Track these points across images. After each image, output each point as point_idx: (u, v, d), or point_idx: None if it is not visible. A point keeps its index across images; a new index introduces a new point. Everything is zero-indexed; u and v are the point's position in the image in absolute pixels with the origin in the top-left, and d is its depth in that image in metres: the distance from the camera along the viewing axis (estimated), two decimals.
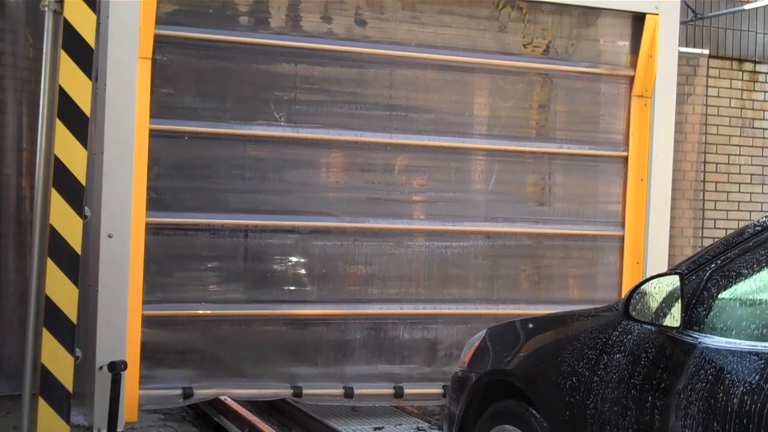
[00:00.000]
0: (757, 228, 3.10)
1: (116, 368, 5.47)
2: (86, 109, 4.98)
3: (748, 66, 9.71)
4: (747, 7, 9.32)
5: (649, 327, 3.13)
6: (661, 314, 3.08)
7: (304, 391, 6.27)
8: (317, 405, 6.36)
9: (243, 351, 6.31)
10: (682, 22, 7.86)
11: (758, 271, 3.00)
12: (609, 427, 3.16)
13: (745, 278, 3.02)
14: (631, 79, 7.06)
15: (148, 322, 5.98)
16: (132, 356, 5.73)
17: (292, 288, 6.39)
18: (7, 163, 6.49)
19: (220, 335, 6.26)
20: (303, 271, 6.42)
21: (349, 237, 6.50)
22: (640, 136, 7.04)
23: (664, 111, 7.04)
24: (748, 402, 2.75)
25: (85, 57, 4.98)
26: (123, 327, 5.70)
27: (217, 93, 6.23)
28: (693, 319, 3.04)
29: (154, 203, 6.00)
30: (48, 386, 4.89)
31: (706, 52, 8.91)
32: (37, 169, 4.92)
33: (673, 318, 3.04)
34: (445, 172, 6.73)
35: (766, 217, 3.16)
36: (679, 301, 3.03)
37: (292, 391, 6.26)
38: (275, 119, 6.31)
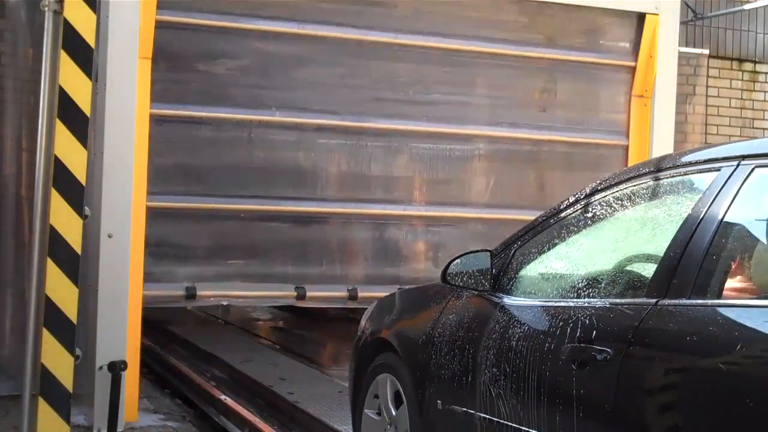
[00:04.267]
0: (543, 217, 3.89)
1: (116, 368, 5.48)
2: (86, 109, 4.97)
3: (748, 66, 9.73)
4: (747, 7, 9.34)
5: (471, 291, 3.95)
6: (477, 281, 3.88)
7: (308, 294, 6.29)
8: (317, 404, 6.36)
9: (247, 251, 6.33)
10: (682, 22, 7.87)
11: (541, 250, 3.84)
12: (443, 371, 3.96)
13: (534, 255, 3.86)
14: (632, 79, 7.07)
15: (152, 213, 5.95)
16: (132, 356, 5.73)
17: (297, 186, 6.40)
18: (7, 163, 6.49)
19: (224, 233, 6.27)
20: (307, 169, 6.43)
21: (353, 136, 6.50)
22: (640, 136, 7.04)
23: (664, 111, 7.05)
24: (520, 345, 3.49)
25: (85, 57, 4.97)
26: (123, 327, 5.70)
27: None
28: (500, 285, 3.86)
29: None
30: (48, 386, 4.88)
31: (706, 52, 8.93)
32: (37, 169, 4.91)
33: (485, 284, 3.86)
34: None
35: (551, 207, 3.89)
36: (490, 270, 3.85)
37: (296, 293, 6.27)
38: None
